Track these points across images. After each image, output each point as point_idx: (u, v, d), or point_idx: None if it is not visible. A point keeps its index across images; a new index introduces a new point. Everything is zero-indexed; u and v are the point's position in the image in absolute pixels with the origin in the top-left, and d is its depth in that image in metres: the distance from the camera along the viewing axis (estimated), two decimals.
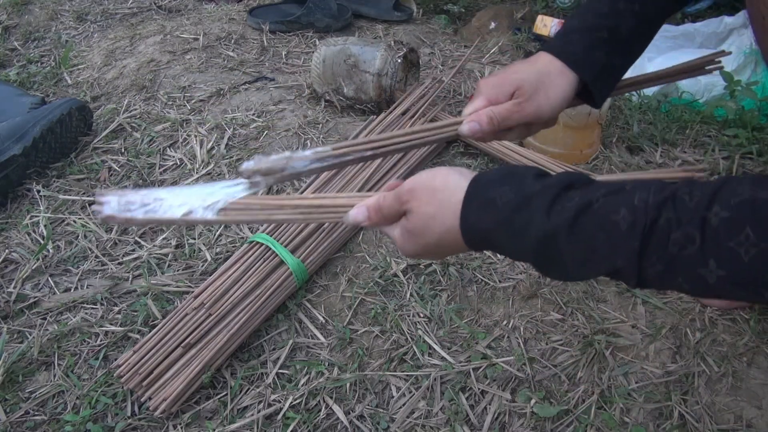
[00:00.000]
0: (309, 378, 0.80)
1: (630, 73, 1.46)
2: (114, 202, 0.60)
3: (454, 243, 0.50)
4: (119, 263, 0.98)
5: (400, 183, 0.54)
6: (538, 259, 0.46)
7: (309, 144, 1.17)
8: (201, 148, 1.19)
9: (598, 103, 0.69)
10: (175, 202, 0.58)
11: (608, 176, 0.93)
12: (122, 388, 0.78)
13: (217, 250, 0.97)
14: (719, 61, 0.75)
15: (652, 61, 1.42)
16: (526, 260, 0.48)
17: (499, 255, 0.52)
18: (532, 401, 0.75)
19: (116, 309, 0.90)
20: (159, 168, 1.16)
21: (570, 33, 0.67)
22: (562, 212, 0.44)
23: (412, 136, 0.64)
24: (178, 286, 0.91)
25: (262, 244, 0.89)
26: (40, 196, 1.11)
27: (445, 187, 0.50)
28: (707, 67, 0.75)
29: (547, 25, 1.75)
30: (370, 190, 0.99)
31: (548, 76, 0.65)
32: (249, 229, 1.01)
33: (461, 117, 0.66)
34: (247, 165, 0.56)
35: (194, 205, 0.57)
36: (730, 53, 0.76)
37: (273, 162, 0.56)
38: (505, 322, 0.85)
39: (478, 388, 0.77)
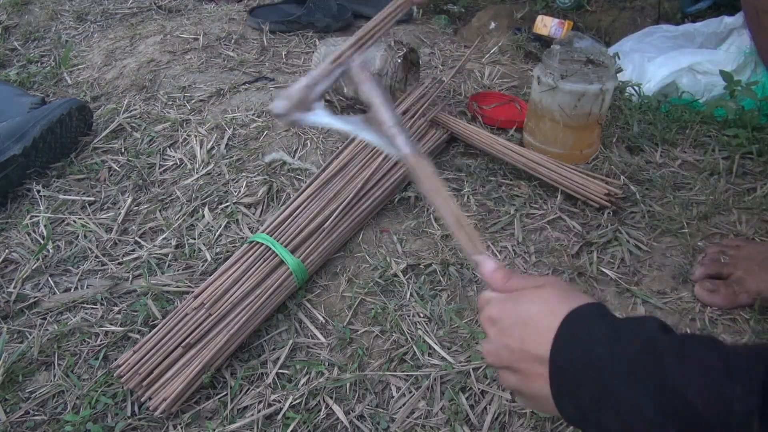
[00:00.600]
0: (309, 378, 0.80)
1: (632, 75, 1.46)
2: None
3: (545, 333, 0.44)
4: (119, 263, 0.98)
5: None
6: (629, 377, 0.38)
7: (309, 144, 1.17)
8: (201, 148, 1.19)
9: None
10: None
11: None
12: (122, 388, 0.78)
13: (217, 250, 0.97)
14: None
15: (652, 61, 1.42)
16: (614, 381, 0.39)
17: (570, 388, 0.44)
18: None
19: (116, 309, 0.90)
20: (159, 168, 1.16)
21: None
22: (672, 333, 0.40)
23: (378, 20, 0.73)
24: (178, 286, 0.91)
25: (262, 244, 0.89)
26: (40, 196, 1.11)
27: (575, 293, 0.47)
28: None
29: (547, 25, 1.75)
30: (370, 190, 0.99)
31: None
32: (249, 229, 1.01)
33: None
34: (280, 105, 0.59)
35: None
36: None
37: (300, 94, 0.59)
38: None
39: (478, 388, 0.77)
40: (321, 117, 0.63)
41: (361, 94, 0.61)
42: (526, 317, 0.47)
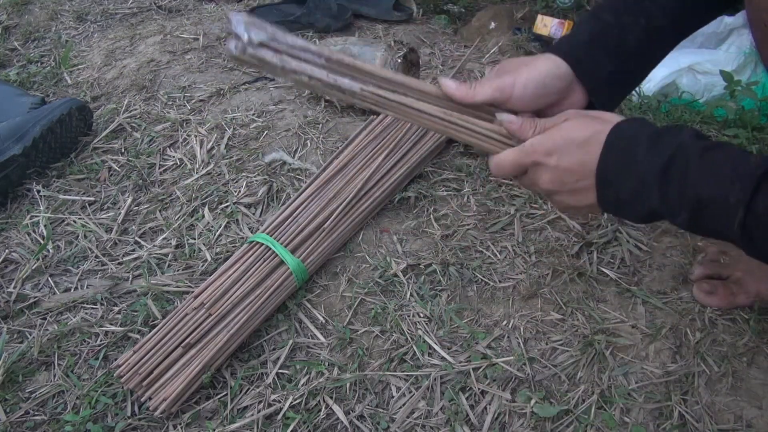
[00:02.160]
0: (309, 378, 0.80)
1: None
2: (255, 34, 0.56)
3: (598, 147, 0.56)
4: (119, 263, 0.98)
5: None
6: (661, 176, 0.52)
7: (309, 144, 1.17)
8: (201, 148, 1.19)
9: (598, 103, 0.68)
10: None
11: None
12: (122, 388, 0.78)
13: (217, 250, 0.97)
14: None
15: None
16: (653, 178, 0.53)
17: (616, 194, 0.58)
18: (532, 401, 0.75)
19: (116, 309, 0.90)
20: (159, 168, 1.16)
21: (565, 36, 0.73)
22: (705, 139, 0.52)
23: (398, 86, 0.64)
24: (178, 286, 0.91)
25: (262, 244, 0.89)
26: (40, 196, 1.11)
27: (606, 114, 0.59)
28: None
29: (547, 25, 1.75)
30: (370, 190, 0.99)
31: (533, 58, 0.66)
32: (249, 229, 1.01)
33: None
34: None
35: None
36: None
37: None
38: (505, 322, 0.85)
39: (478, 388, 0.77)
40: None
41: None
42: (579, 141, 0.57)
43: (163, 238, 1.01)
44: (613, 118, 0.57)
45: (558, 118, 0.61)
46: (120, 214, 1.06)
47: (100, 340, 0.85)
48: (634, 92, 1.34)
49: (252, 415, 0.75)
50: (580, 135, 0.57)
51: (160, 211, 1.07)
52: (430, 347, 0.82)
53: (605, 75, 0.66)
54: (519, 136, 0.62)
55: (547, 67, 0.64)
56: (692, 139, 0.52)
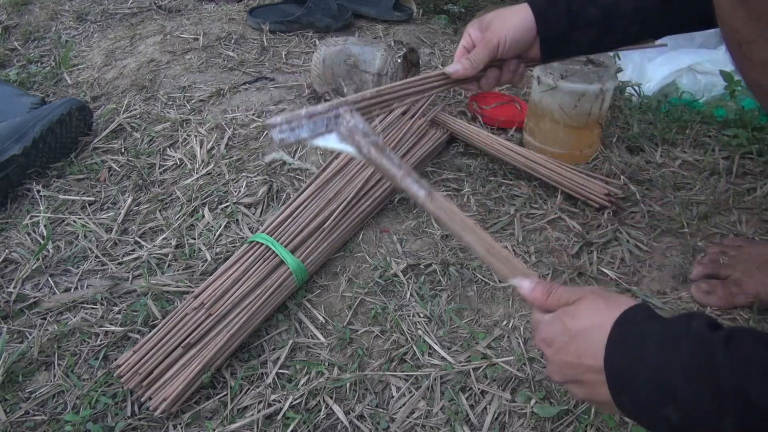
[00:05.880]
0: (309, 378, 0.80)
1: (632, 75, 1.45)
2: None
3: (597, 343, 0.47)
4: (119, 263, 0.98)
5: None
6: (685, 374, 0.42)
7: (309, 144, 1.17)
8: (201, 148, 1.19)
9: (543, 56, 0.78)
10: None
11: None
12: (122, 388, 0.78)
13: (217, 250, 0.97)
14: None
15: (652, 61, 1.42)
16: (671, 379, 0.42)
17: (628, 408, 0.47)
18: (532, 401, 0.75)
19: (116, 309, 0.90)
20: (159, 168, 1.16)
21: None
22: (719, 328, 0.43)
23: (406, 86, 0.75)
24: (178, 286, 0.91)
25: (262, 244, 0.89)
26: (40, 196, 1.11)
27: (617, 297, 0.50)
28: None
29: None
30: (370, 190, 0.99)
31: (509, 9, 0.77)
32: (249, 229, 1.01)
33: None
34: (275, 119, 0.63)
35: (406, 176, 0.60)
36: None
37: (296, 119, 0.65)
38: (505, 322, 0.85)
39: (478, 388, 0.77)
40: (319, 140, 0.66)
41: (359, 156, 0.64)
42: (575, 333, 0.49)
43: (163, 238, 1.01)
44: (620, 305, 0.48)
45: (574, 293, 0.52)
46: (120, 214, 1.06)
47: (100, 340, 0.85)
48: (634, 92, 1.34)
49: (252, 415, 0.75)
50: (577, 325, 0.49)
51: (160, 211, 1.07)
52: (430, 347, 0.82)
53: (558, 34, 0.76)
54: (531, 304, 0.57)
55: (521, 22, 0.75)
56: (707, 327, 0.43)
